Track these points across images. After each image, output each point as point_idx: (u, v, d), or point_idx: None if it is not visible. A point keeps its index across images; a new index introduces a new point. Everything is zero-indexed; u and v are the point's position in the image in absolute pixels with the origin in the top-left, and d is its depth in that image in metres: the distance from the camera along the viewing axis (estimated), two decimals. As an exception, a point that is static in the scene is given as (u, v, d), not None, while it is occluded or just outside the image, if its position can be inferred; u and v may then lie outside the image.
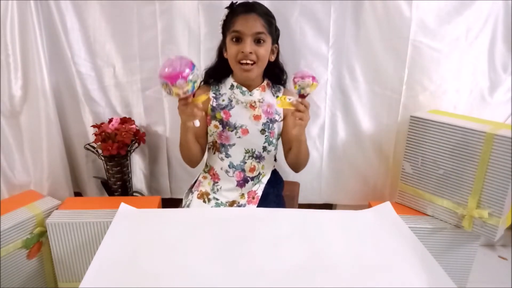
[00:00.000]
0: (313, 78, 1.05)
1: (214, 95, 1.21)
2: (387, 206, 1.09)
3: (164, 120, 1.58)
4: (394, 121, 1.52)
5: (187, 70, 0.93)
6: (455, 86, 1.47)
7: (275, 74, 1.26)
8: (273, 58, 1.22)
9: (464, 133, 1.23)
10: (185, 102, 0.99)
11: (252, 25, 1.12)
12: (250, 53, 1.12)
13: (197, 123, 1.02)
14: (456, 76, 1.46)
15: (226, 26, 1.16)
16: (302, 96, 1.05)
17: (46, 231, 1.31)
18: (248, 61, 1.13)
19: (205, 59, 1.42)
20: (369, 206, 1.24)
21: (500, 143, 1.17)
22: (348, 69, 1.48)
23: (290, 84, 1.09)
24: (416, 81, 1.46)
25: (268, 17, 1.16)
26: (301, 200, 1.56)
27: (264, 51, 1.15)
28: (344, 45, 1.45)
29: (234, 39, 1.13)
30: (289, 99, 1.06)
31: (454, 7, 1.37)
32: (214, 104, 1.21)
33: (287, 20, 1.42)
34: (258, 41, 1.13)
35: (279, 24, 1.40)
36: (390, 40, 1.42)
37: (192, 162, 1.25)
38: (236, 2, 1.17)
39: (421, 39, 1.40)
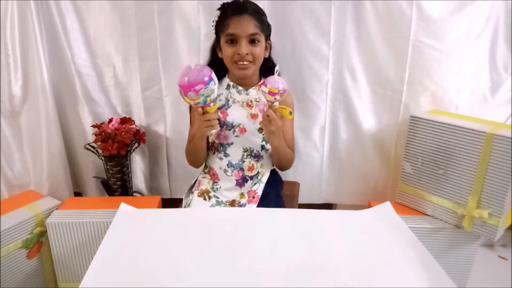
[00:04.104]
0: (270, 92, 1.06)
1: None
2: (387, 206, 1.09)
3: (164, 120, 1.58)
4: (395, 121, 1.51)
5: (200, 85, 0.96)
6: (456, 86, 1.47)
7: (268, 68, 1.27)
8: (267, 55, 1.23)
9: (464, 133, 1.23)
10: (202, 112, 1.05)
11: (246, 26, 1.12)
12: (247, 54, 1.12)
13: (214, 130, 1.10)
14: (457, 76, 1.45)
15: (219, 27, 1.16)
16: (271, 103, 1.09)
17: (46, 231, 1.31)
18: (245, 62, 1.13)
19: (205, 59, 1.41)
20: (369, 206, 1.24)
21: (500, 143, 1.16)
22: (349, 70, 1.48)
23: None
24: (417, 81, 1.46)
25: (259, 15, 1.17)
26: (301, 200, 1.56)
27: (260, 50, 1.16)
28: (345, 45, 1.45)
29: (229, 41, 1.14)
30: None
31: (455, 7, 1.37)
32: (211, 105, 1.21)
33: (287, 20, 1.42)
34: (252, 41, 1.14)
35: (279, 24, 1.40)
36: (391, 40, 1.42)
37: (198, 164, 1.29)
38: (227, 2, 1.17)
39: (422, 39, 1.40)
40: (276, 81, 1.06)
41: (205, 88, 0.97)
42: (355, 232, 0.96)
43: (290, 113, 1.07)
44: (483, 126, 1.22)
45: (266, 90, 1.05)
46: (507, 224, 1.28)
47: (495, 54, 1.44)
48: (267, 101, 1.08)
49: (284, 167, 1.31)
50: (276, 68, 1.10)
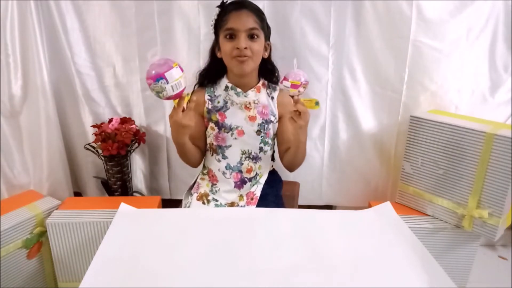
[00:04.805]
0: (294, 85, 1.07)
1: (209, 98, 1.22)
2: (387, 206, 1.09)
3: (164, 120, 1.58)
4: (395, 121, 1.52)
5: (150, 80, 0.95)
6: (456, 86, 1.47)
7: (267, 70, 1.26)
8: (266, 55, 1.22)
9: (464, 133, 1.23)
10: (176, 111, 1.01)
11: (245, 21, 1.12)
12: (245, 48, 1.12)
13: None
14: (457, 76, 1.45)
15: (219, 24, 1.16)
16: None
17: (46, 231, 1.31)
18: (244, 57, 1.13)
19: (205, 59, 1.41)
20: (369, 206, 1.24)
21: (500, 143, 1.17)
22: (348, 70, 1.48)
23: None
24: (417, 81, 1.46)
25: (259, 13, 1.16)
26: (301, 201, 1.56)
27: (258, 46, 1.15)
28: (345, 45, 1.45)
29: (227, 36, 1.14)
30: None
31: (455, 7, 1.37)
32: (210, 107, 1.21)
33: (287, 20, 1.42)
34: (251, 36, 1.13)
35: (279, 24, 1.40)
36: (391, 40, 1.42)
37: (192, 163, 1.27)
38: (227, 0, 1.17)
39: (421, 39, 1.40)
40: (297, 74, 1.07)
41: (155, 84, 0.95)
42: (355, 232, 0.96)
43: (317, 103, 1.06)
44: (483, 126, 1.22)
45: (289, 84, 1.06)
46: (507, 224, 1.28)
47: (494, 54, 1.44)
48: (291, 95, 1.08)
49: (298, 165, 1.27)
50: (295, 62, 1.10)
